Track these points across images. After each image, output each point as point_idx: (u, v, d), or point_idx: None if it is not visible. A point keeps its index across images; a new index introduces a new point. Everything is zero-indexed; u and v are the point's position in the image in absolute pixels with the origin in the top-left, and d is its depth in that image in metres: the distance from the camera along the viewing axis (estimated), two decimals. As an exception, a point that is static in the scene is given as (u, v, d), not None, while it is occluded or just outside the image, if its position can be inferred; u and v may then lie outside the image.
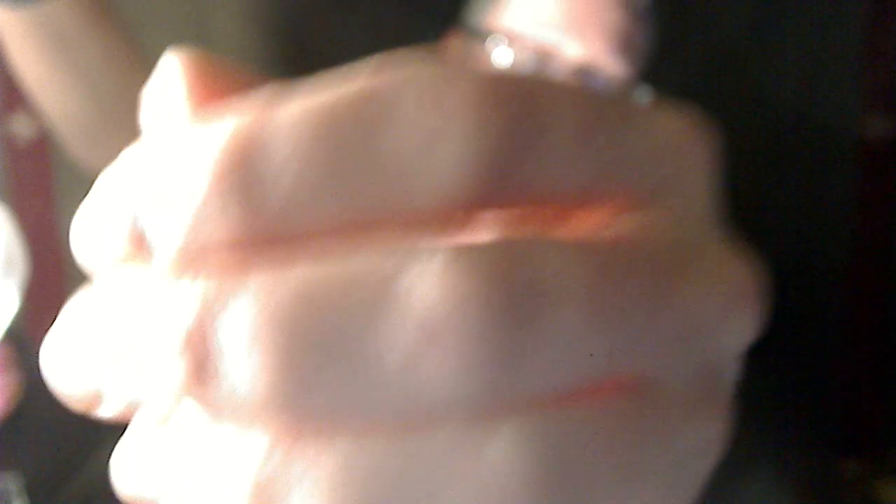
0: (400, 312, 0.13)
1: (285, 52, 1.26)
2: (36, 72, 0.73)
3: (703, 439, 0.17)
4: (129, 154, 0.17)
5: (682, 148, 0.18)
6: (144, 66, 0.79)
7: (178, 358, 0.15)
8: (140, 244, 0.16)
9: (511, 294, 0.14)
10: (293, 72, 1.44)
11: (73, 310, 0.18)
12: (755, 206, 1.40)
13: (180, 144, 0.15)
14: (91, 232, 0.17)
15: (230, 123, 0.15)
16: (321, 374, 0.14)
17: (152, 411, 0.17)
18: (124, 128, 0.78)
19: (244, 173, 0.15)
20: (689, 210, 0.18)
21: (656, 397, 0.16)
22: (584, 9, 0.74)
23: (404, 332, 0.14)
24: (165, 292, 0.15)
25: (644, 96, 0.76)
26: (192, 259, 0.15)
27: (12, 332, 1.39)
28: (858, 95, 1.34)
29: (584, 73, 0.73)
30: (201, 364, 0.15)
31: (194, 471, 0.16)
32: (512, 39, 0.74)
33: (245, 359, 0.14)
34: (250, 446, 0.15)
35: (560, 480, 0.14)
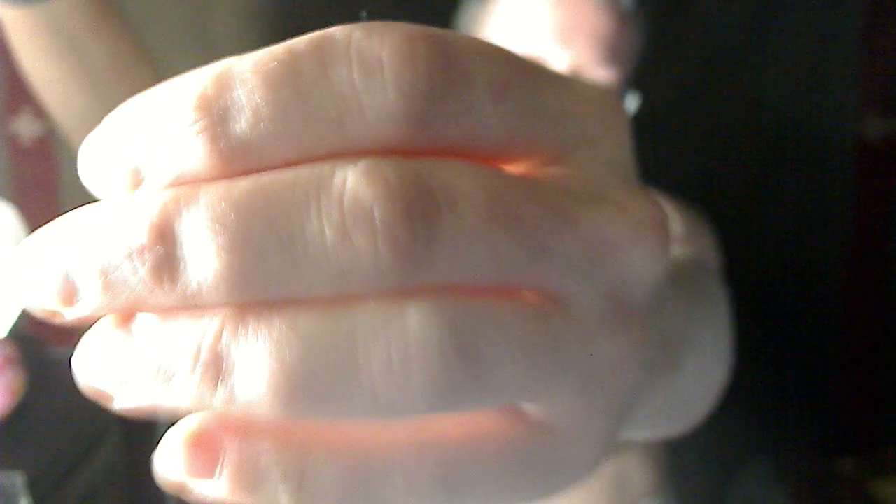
0: (330, 202, 0.17)
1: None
2: (43, 71, 0.73)
3: (617, 354, 0.20)
4: (126, 105, 0.20)
5: (595, 111, 0.20)
6: (150, 64, 0.79)
7: (146, 252, 0.17)
8: (136, 178, 0.19)
9: (410, 195, 0.17)
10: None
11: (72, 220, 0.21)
12: (755, 205, 1.41)
13: (165, 97, 0.19)
14: (97, 165, 0.20)
15: (204, 73, 0.19)
16: (268, 254, 0.17)
17: (113, 311, 0.19)
18: None
19: (213, 112, 0.18)
20: (602, 163, 0.20)
21: (568, 310, 0.19)
22: (570, 17, 0.74)
23: (333, 218, 0.17)
24: (143, 204, 0.18)
25: (632, 102, 0.76)
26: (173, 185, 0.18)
27: (15, 331, 1.40)
28: (857, 97, 1.35)
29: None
30: (166, 257, 0.17)
31: (150, 362, 0.19)
32: (508, 38, 0.75)
33: (202, 245, 0.17)
34: (201, 330, 0.18)
35: (469, 354, 0.17)
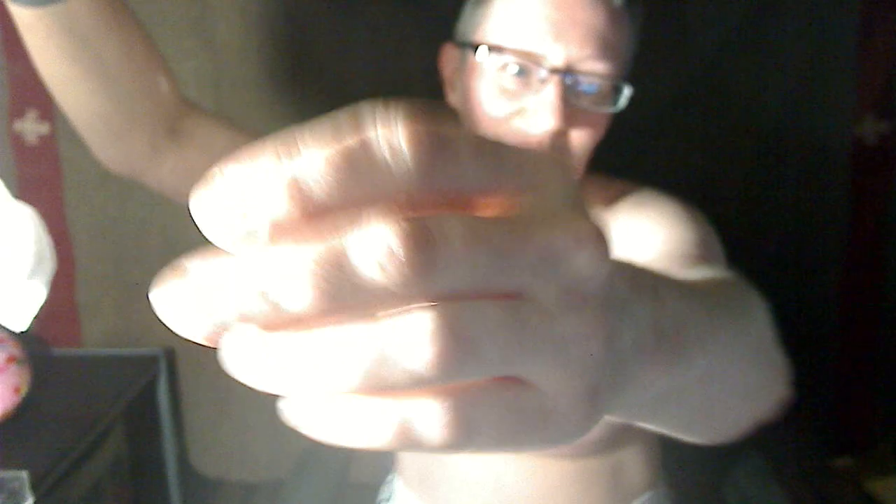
0: (375, 248, 0.25)
1: (288, 54, 1.28)
2: (57, 70, 0.74)
3: (576, 329, 0.28)
4: (225, 168, 0.26)
5: (541, 165, 0.29)
6: (161, 62, 0.80)
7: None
8: (245, 226, 0.26)
9: (416, 235, 0.25)
10: (295, 73, 1.45)
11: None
12: (753, 203, 1.42)
13: (258, 167, 0.27)
14: (214, 215, 0.26)
15: (284, 147, 0.27)
16: (342, 284, 0.26)
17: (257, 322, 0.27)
18: (143, 124, 0.79)
19: (299, 185, 0.26)
20: (551, 198, 0.29)
21: (534, 301, 0.27)
22: (563, 13, 0.75)
23: (378, 256, 0.25)
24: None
25: (626, 94, 0.77)
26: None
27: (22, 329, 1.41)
28: (853, 99, 1.35)
29: (567, 76, 0.75)
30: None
31: (305, 361, 0.26)
32: (499, 49, 0.76)
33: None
34: (366, 330, 0.26)
35: (464, 337, 0.26)
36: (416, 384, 0.26)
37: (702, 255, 0.79)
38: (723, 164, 1.39)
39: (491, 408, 0.27)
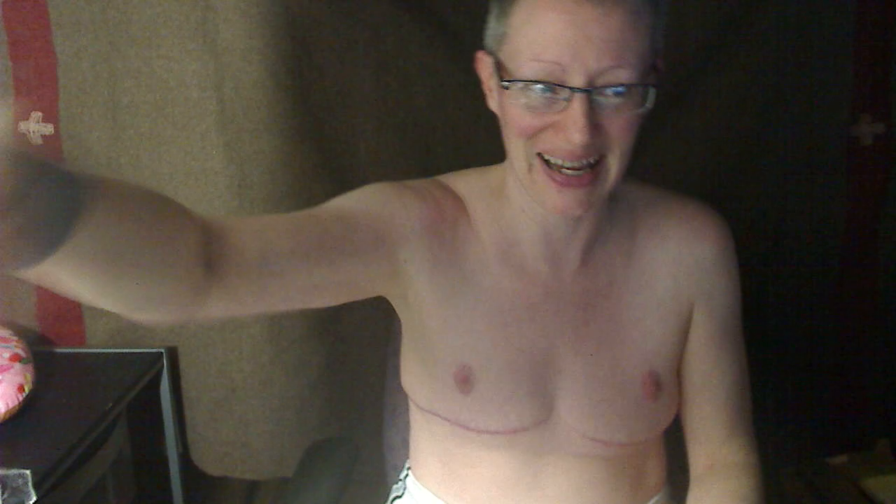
0: None
1: (289, 56, 1.29)
2: (71, 287, 0.67)
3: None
4: None
5: None
6: (179, 211, 0.72)
7: None
8: None
9: None
10: (296, 75, 1.46)
11: None
12: (751, 203, 1.42)
13: None
14: None
15: None
16: None
17: None
18: (177, 281, 0.72)
19: None
20: None
21: None
22: (579, 31, 0.75)
23: None
24: None
25: (651, 98, 0.78)
26: None
27: (24, 328, 1.42)
28: (849, 100, 1.36)
29: (594, 84, 0.76)
30: None
31: None
32: (527, 61, 0.77)
33: None
34: None
35: None
36: None
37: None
38: (720, 164, 1.39)
39: None
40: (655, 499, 0.97)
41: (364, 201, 0.83)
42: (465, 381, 0.87)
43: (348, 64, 1.31)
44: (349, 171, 1.34)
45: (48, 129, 1.36)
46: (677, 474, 1.06)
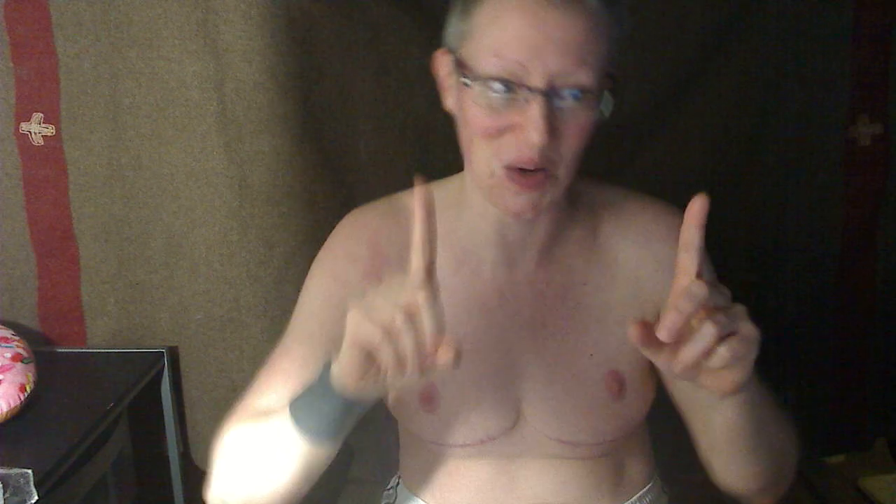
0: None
1: (290, 57, 1.29)
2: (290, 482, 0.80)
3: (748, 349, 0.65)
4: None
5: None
6: None
7: None
8: None
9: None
10: (296, 75, 1.45)
11: None
12: (749, 204, 1.43)
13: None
14: None
15: None
16: None
17: None
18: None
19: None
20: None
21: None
22: (540, 32, 0.76)
23: None
24: None
25: (608, 105, 0.78)
26: None
27: (25, 328, 1.42)
28: (846, 101, 1.36)
29: (554, 85, 0.76)
30: None
31: None
32: (489, 58, 0.77)
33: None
34: None
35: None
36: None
37: None
38: (718, 164, 1.39)
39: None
40: (640, 493, 0.97)
41: (321, 308, 0.91)
42: (429, 400, 0.90)
43: (348, 64, 1.31)
44: (349, 171, 1.34)
45: (49, 129, 1.37)
46: (677, 474, 1.06)
